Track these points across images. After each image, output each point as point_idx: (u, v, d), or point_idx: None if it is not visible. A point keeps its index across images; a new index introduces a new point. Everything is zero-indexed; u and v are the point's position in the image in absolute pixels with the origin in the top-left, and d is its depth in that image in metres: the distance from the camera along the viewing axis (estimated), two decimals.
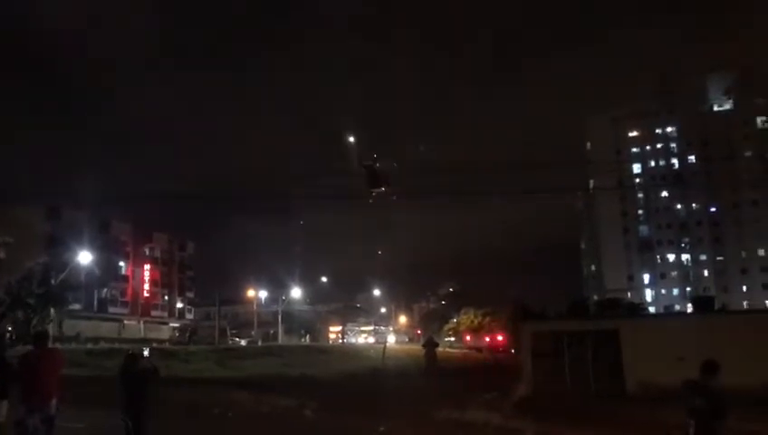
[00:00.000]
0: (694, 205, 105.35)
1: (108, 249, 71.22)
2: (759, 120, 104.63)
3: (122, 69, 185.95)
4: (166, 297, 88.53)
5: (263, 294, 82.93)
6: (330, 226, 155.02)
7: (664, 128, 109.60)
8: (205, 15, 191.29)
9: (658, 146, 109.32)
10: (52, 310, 46.90)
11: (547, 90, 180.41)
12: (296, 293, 78.22)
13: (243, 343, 69.37)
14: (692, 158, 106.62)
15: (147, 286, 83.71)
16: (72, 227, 61.37)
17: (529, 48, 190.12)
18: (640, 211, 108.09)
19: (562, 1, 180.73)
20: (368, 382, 28.13)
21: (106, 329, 68.40)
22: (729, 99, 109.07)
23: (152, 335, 75.52)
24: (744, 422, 11.10)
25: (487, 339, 66.07)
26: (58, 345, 36.50)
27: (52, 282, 47.07)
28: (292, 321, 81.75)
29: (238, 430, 17.45)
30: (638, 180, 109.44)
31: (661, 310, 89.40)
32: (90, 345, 48.13)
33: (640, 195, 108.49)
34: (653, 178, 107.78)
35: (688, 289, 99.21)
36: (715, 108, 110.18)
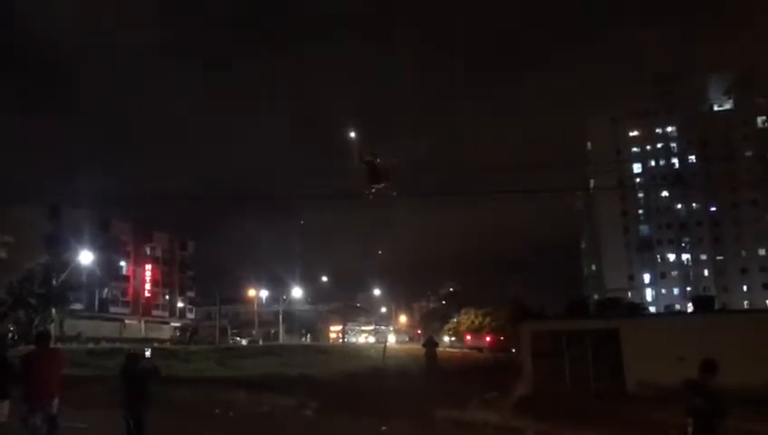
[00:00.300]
0: (694, 204, 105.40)
1: (109, 249, 71.27)
2: (759, 119, 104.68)
3: (122, 68, 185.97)
4: (167, 297, 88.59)
5: (263, 293, 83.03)
6: (330, 225, 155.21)
7: (664, 128, 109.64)
8: (205, 16, 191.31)
9: (658, 146, 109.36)
10: (53, 310, 46.95)
11: (547, 90, 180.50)
12: (297, 292, 78.29)
13: (244, 342, 69.42)
14: (692, 157, 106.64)
15: (148, 286, 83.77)
16: (73, 227, 61.40)
17: (529, 48, 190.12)
18: (640, 211, 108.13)
19: (562, 1, 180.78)
20: (368, 382, 28.16)
21: (107, 329, 68.42)
22: (729, 99, 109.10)
23: (153, 335, 75.58)
24: (743, 422, 11.15)
25: (488, 339, 66.02)
26: (59, 345, 36.60)
27: (54, 282, 47.13)
28: (293, 320, 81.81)
29: (239, 430, 17.50)
30: (638, 180, 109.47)
31: (661, 310, 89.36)
32: (91, 345, 48.21)
33: (641, 194, 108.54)
34: (653, 178, 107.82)
35: (689, 289, 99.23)
36: (715, 108, 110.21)
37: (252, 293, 79.01)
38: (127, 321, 78.39)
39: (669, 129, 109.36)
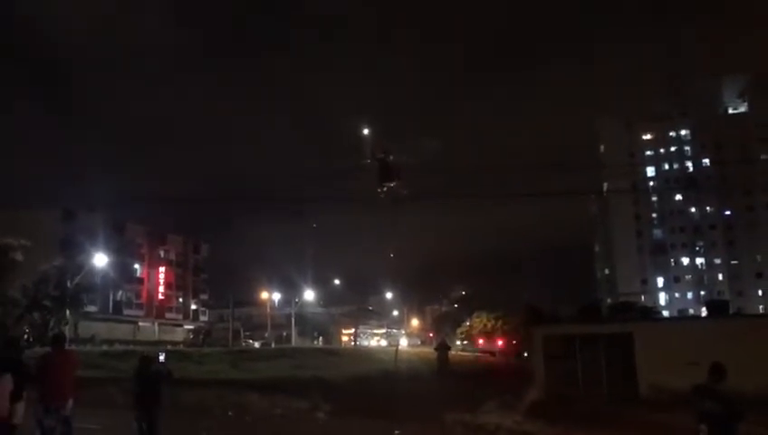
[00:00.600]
0: (708, 208, 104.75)
1: (123, 252, 71.67)
2: None
3: (135, 71, 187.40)
4: (180, 299, 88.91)
5: (276, 296, 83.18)
6: (342, 228, 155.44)
7: (678, 131, 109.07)
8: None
9: (672, 149, 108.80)
10: (67, 312, 47.30)
11: (560, 92, 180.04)
12: (309, 295, 78.36)
13: (256, 345, 69.49)
14: (706, 161, 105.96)
15: (161, 289, 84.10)
16: (88, 230, 61.77)
17: (542, 50, 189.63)
18: (654, 214, 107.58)
19: (575, 1, 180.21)
20: (380, 385, 28.18)
21: (121, 331, 68.73)
22: (744, 101, 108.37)
23: (166, 337, 75.82)
24: (756, 426, 11.08)
25: (500, 342, 65.92)
26: (74, 347, 36.81)
27: (68, 284, 47.48)
28: (305, 323, 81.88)
29: (252, 432, 17.57)
30: (651, 183, 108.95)
31: (675, 314, 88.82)
32: (105, 347, 48.43)
33: (654, 198, 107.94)
34: (667, 182, 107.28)
35: (702, 293, 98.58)
36: (730, 111, 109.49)
37: (264, 295, 79.19)
38: (140, 323, 78.72)
39: (683, 132, 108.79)
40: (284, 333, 77.44)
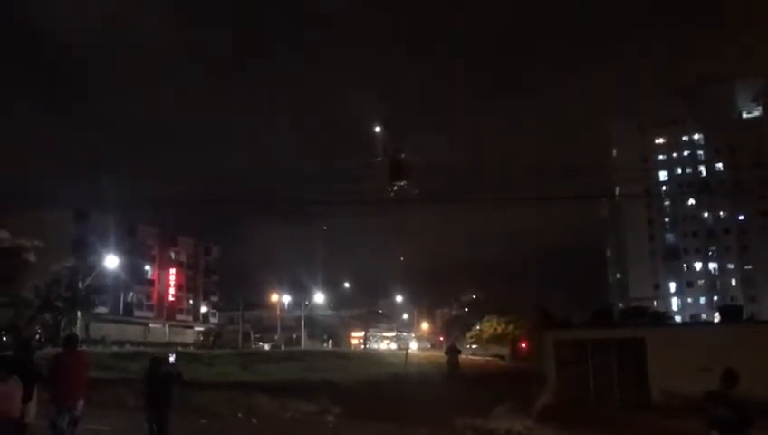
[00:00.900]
0: (721, 213, 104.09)
1: (134, 253, 71.99)
2: None
3: (148, 71, 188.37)
4: (191, 301, 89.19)
5: (286, 298, 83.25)
6: (353, 230, 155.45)
7: (691, 135, 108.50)
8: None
9: (685, 153, 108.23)
10: (78, 313, 47.53)
11: (571, 95, 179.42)
12: (319, 298, 78.44)
13: (266, 347, 69.50)
14: (719, 165, 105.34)
15: (172, 290, 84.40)
16: (99, 231, 62.02)
17: (553, 54, 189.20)
18: (667, 219, 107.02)
19: (586, 5, 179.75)
20: (390, 388, 28.04)
21: (132, 332, 68.97)
22: (758, 105, 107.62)
23: (177, 339, 76.01)
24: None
25: (511, 347, 65.55)
26: (84, 348, 36.95)
27: (80, 285, 47.72)
28: (315, 326, 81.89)
29: None
30: (664, 188, 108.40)
31: (687, 320, 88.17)
32: (115, 348, 48.59)
33: (667, 203, 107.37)
34: (679, 186, 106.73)
35: (715, 298, 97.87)
36: (744, 115, 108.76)
37: (274, 298, 79.28)
38: (151, 325, 78.99)
39: (696, 136, 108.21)
40: (294, 336, 77.51)
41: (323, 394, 22.03)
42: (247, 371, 35.45)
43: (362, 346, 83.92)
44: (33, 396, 9.80)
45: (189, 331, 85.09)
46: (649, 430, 18.15)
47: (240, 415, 19.35)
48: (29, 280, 44.95)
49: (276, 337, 75.72)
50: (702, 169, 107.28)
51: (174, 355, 13.80)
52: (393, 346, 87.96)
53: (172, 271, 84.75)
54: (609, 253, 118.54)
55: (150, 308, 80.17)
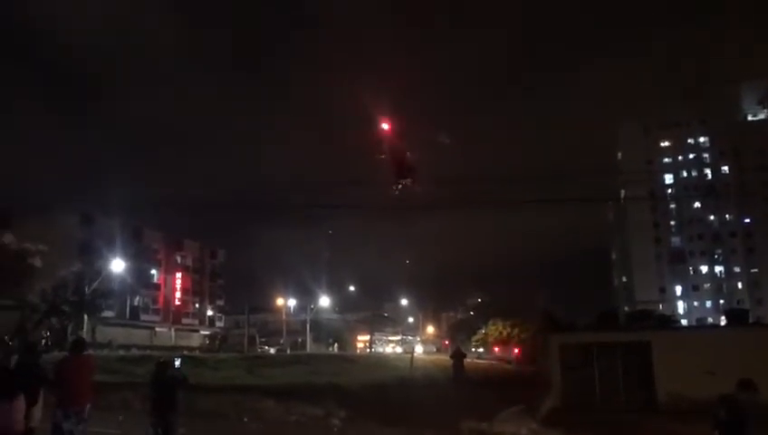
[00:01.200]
0: (727, 216, 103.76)
1: (140, 257, 72.26)
2: None
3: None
4: (197, 305, 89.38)
5: (291, 302, 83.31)
6: (358, 234, 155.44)
7: (696, 138, 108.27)
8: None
9: (690, 156, 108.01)
10: (85, 317, 47.67)
11: (577, 97, 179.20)
12: (324, 301, 78.43)
13: (272, 351, 69.70)
14: (725, 168, 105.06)
15: (178, 294, 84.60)
16: (106, 235, 62.21)
17: (558, 56, 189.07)
18: (672, 222, 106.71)
19: (593, 7, 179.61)
20: (395, 392, 28.05)
21: (138, 336, 69.11)
22: (763, 108, 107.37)
23: (183, 343, 76.18)
24: None
25: (516, 350, 65.47)
26: (91, 352, 37.04)
27: (86, 289, 47.88)
28: (321, 329, 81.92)
29: None
30: (669, 191, 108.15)
31: (693, 323, 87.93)
32: (122, 352, 48.70)
33: (672, 205, 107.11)
34: (685, 189, 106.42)
35: (722, 302, 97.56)
36: (750, 117, 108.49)
37: (280, 302, 79.35)
38: (157, 329, 79.17)
39: (702, 139, 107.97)
40: (300, 340, 77.63)
41: (329, 398, 22.02)
42: (253, 374, 35.52)
43: (368, 350, 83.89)
44: (39, 400, 9.88)
45: (195, 334, 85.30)
46: (656, 433, 18.10)
47: (246, 419, 19.38)
48: (35, 284, 45.09)
49: (282, 341, 75.85)
50: (707, 171, 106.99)
51: (180, 359, 13.86)
52: (398, 350, 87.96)
53: (178, 275, 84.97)
54: (614, 256, 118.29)
55: (156, 312, 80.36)
